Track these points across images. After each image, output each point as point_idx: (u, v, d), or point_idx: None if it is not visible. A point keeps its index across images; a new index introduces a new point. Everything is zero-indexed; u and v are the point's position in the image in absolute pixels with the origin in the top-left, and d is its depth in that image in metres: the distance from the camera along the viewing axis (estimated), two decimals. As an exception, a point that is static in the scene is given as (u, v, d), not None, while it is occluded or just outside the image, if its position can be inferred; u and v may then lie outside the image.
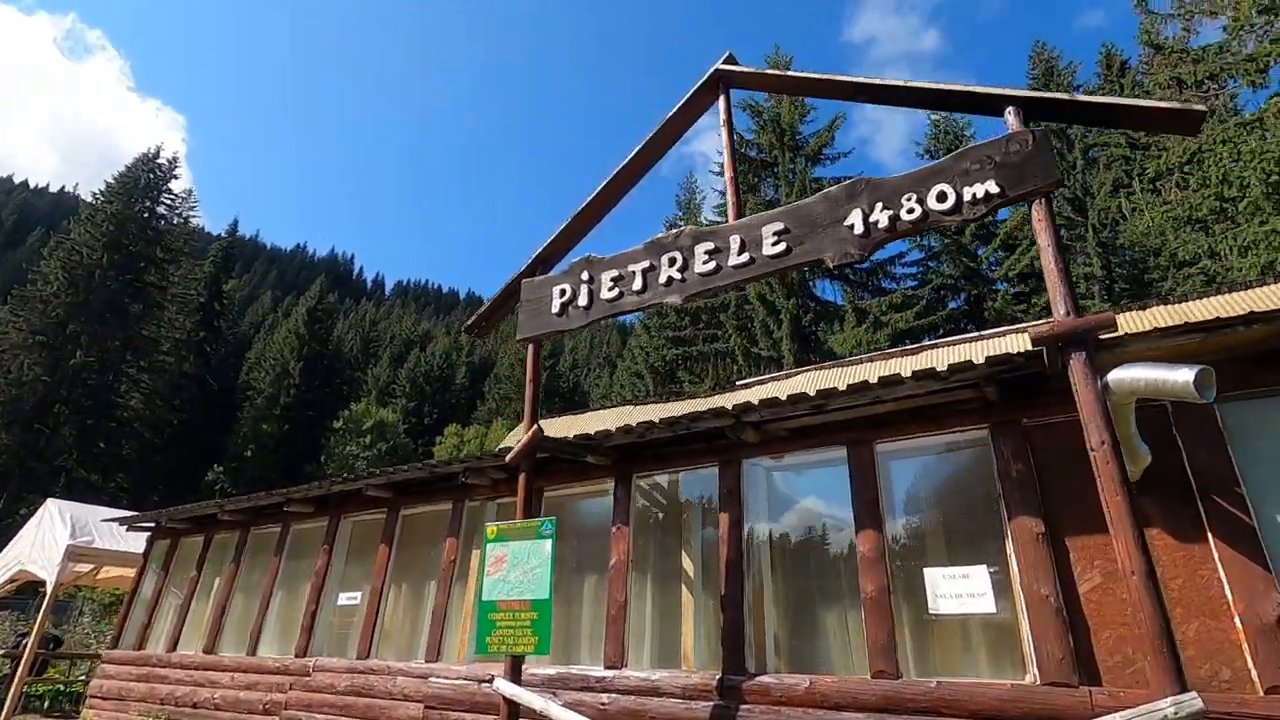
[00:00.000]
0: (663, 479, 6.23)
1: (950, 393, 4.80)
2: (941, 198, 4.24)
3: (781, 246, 4.73)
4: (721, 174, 29.82)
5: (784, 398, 5.05)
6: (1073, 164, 32.65)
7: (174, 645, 9.08)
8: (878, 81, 4.78)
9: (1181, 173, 18.67)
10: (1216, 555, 3.83)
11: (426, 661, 6.60)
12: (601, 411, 19.13)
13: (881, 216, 4.40)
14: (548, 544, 5.03)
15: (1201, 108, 3.71)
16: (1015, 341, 11.14)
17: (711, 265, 4.99)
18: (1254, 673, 3.56)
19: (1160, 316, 9.95)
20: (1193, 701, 2.80)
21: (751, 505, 5.55)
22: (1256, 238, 14.96)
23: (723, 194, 29.57)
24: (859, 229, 4.46)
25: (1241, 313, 3.95)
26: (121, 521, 10.88)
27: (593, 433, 5.98)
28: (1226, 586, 3.76)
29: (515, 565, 5.10)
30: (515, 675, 4.90)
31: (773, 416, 5.27)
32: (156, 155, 48.72)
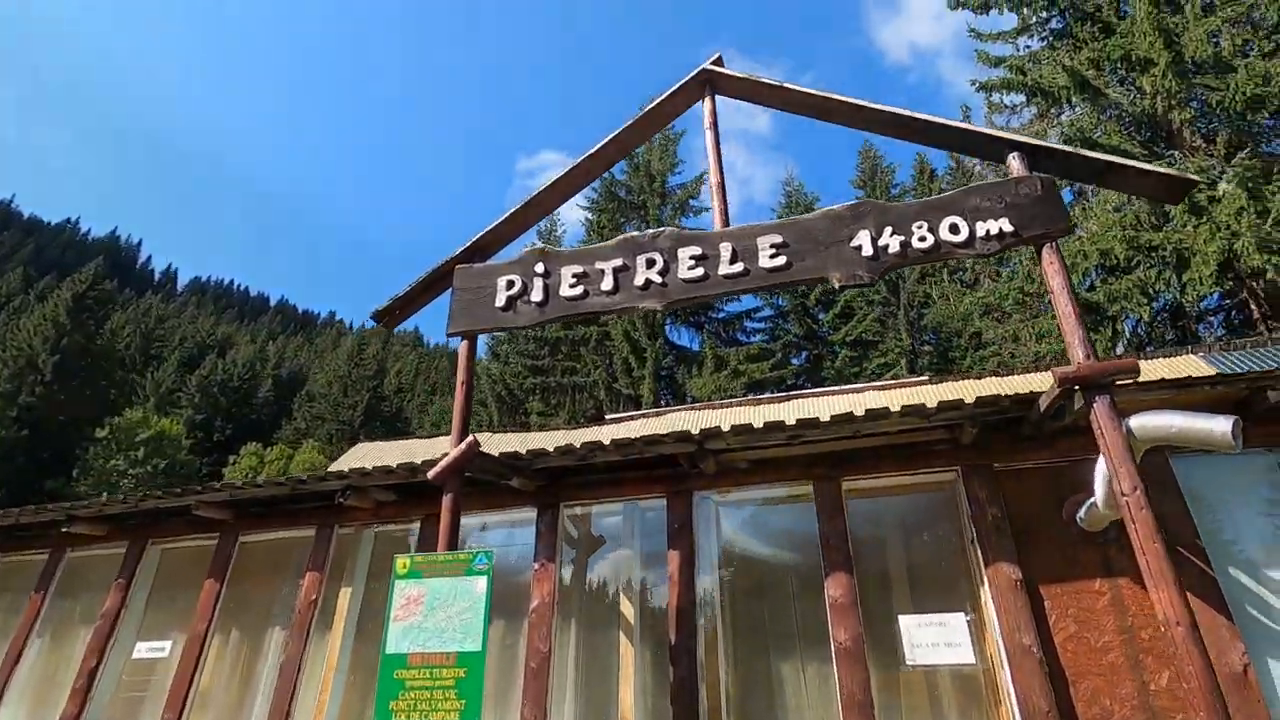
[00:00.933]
0: (596, 509, 5.51)
1: (924, 432, 4.69)
2: (954, 229, 4.16)
3: (781, 260, 4.39)
4: (589, 209, 29.82)
5: (760, 425, 4.63)
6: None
7: None
8: (878, 107, 4.69)
9: (995, 267, 21.72)
10: (1183, 605, 3.95)
11: (269, 732, 5.16)
12: (444, 439, 17.63)
13: (892, 241, 4.23)
14: (482, 582, 4.10)
15: (1195, 178, 3.98)
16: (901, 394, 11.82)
17: (699, 272, 4.52)
18: (1224, 722, 3.64)
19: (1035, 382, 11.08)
20: (1260, 760, 2.70)
21: (704, 543, 5.02)
22: (1051, 328, 17.62)
23: (587, 229, 29.50)
24: (868, 251, 4.24)
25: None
26: None
27: (524, 451, 5.14)
28: (1194, 636, 3.86)
29: (435, 608, 4.10)
30: (429, 751, 3.85)
31: (740, 445, 4.83)
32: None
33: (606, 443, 4.84)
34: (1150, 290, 15.49)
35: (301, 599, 5.69)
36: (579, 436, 13.28)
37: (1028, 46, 23.69)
